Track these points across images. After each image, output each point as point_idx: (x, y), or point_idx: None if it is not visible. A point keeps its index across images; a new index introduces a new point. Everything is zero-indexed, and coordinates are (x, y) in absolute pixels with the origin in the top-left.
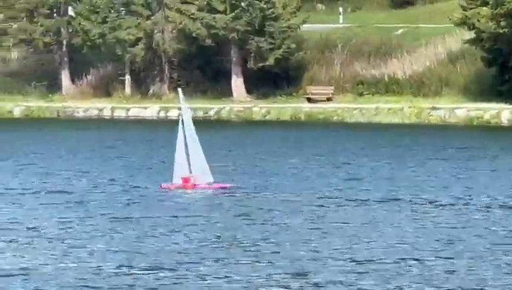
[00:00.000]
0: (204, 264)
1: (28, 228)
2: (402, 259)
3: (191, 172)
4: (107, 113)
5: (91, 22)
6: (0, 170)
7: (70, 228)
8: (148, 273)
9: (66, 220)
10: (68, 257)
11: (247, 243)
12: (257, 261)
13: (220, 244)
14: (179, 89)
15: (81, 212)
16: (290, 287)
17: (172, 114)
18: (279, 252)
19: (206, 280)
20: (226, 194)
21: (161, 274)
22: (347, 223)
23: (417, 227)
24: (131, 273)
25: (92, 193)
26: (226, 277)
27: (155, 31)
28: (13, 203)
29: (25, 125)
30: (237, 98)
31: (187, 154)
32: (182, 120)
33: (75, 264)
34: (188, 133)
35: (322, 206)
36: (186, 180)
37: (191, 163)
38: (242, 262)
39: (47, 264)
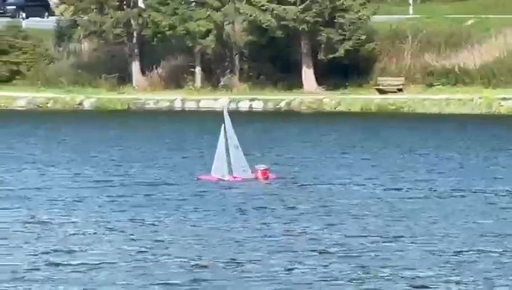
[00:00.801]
0: (285, 256)
1: (105, 220)
2: (475, 251)
3: (231, 172)
4: (177, 105)
5: (161, 13)
6: (73, 162)
7: (145, 221)
8: (226, 267)
9: (140, 212)
10: (148, 249)
11: (324, 235)
12: (336, 253)
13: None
14: (224, 104)
15: (156, 205)
16: (366, 279)
17: (243, 105)
18: (352, 243)
19: (287, 273)
20: (298, 186)
21: (243, 267)
22: (421, 214)
23: (493, 219)
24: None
25: (166, 185)
26: (299, 270)
27: (225, 23)
28: (86, 196)
29: (96, 117)
30: (307, 90)
31: (228, 156)
32: (225, 128)
33: (156, 257)
34: (230, 141)
35: (395, 198)
36: (262, 172)
37: (232, 164)
38: (317, 254)
39: (124, 257)
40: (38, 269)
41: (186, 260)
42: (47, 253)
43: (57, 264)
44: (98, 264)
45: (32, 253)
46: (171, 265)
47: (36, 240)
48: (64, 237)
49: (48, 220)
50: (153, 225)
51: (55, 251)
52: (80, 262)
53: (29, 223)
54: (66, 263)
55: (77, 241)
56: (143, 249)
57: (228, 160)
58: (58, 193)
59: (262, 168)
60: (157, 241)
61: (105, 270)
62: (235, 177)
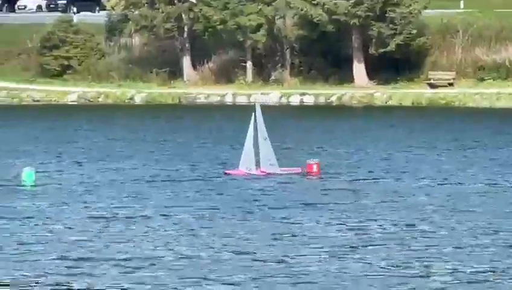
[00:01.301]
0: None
1: (161, 215)
2: None
3: (258, 164)
4: (228, 99)
5: (212, 8)
6: (128, 157)
7: (204, 215)
8: (285, 262)
9: (199, 206)
10: (208, 244)
11: (381, 228)
12: (394, 247)
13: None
14: (257, 104)
15: (213, 200)
16: (426, 274)
17: (294, 100)
18: (416, 238)
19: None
20: (352, 180)
21: (303, 262)
22: (479, 209)
23: None
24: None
25: (221, 179)
26: (358, 263)
27: (276, 17)
28: (144, 190)
29: (147, 111)
30: (358, 84)
31: (256, 149)
32: (255, 121)
33: (215, 252)
34: (259, 133)
35: (452, 193)
36: (311, 166)
37: (260, 158)
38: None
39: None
40: (101, 263)
41: (246, 255)
42: (110, 247)
43: (120, 259)
44: (162, 258)
45: (96, 247)
46: (231, 260)
47: (100, 235)
48: (126, 231)
49: (108, 215)
50: (212, 220)
51: (119, 244)
52: (143, 257)
53: (92, 217)
54: (129, 257)
55: (140, 236)
56: (204, 244)
57: (256, 153)
58: (118, 187)
59: (313, 162)
60: (217, 236)
61: (168, 264)
62: (262, 172)
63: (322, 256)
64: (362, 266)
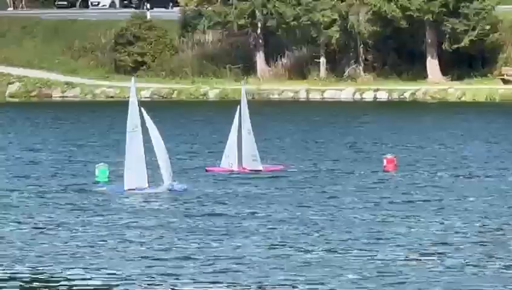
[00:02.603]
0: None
1: (234, 216)
2: None
3: (240, 160)
4: (302, 96)
5: (286, 4)
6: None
7: (301, 213)
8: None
9: (299, 206)
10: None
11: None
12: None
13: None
14: (243, 87)
15: (300, 199)
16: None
17: (368, 96)
18: (492, 235)
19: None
20: (435, 176)
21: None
22: None
23: None
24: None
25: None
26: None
27: (350, 13)
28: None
29: (220, 107)
30: (432, 80)
31: (239, 143)
32: (240, 114)
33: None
34: (243, 124)
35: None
36: (389, 160)
37: (243, 152)
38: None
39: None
40: (190, 261)
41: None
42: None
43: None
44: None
45: (191, 245)
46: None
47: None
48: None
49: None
50: (314, 220)
51: (217, 242)
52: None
53: (181, 214)
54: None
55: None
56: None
57: (239, 147)
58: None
59: (390, 157)
60: (307, 235)
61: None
62: (244, 169)
63: (405, 253)
64: (443, 264)
